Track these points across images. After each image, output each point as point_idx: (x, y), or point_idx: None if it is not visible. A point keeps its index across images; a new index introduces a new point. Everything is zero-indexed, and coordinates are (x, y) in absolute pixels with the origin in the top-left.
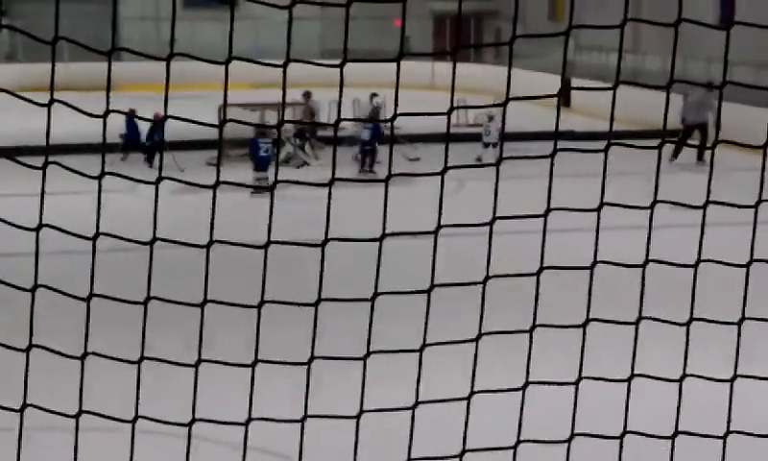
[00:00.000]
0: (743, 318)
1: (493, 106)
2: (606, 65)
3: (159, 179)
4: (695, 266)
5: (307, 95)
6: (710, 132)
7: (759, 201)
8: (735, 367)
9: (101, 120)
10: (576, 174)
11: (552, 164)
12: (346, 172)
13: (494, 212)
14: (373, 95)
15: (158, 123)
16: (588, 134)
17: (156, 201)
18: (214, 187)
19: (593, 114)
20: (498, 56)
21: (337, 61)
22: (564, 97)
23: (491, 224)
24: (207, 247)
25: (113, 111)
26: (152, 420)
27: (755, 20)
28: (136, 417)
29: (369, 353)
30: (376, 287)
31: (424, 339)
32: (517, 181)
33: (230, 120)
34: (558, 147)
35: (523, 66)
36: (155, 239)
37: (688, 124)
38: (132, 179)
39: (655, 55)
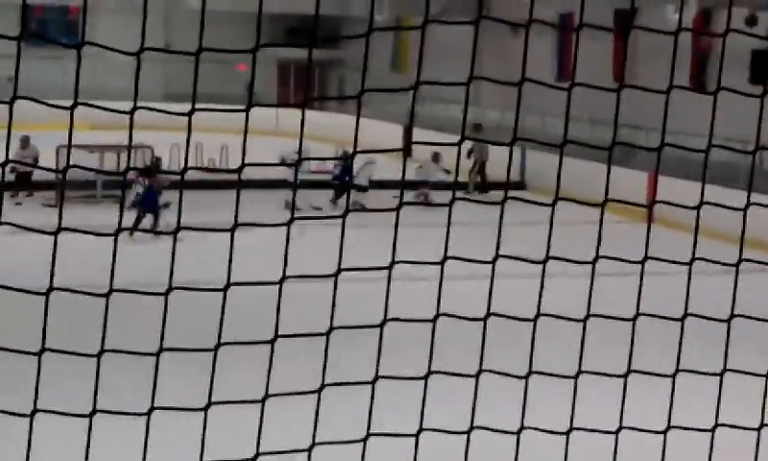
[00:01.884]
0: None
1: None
2: (449, 117)
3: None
4: (584, 320)
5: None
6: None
7: (597, 257)
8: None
9: None
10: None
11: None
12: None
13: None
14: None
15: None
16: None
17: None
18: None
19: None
20: (342, 104)
21: (183, 107)
22: (406, 148)
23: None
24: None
25: None
26: None
27: (586, 76)
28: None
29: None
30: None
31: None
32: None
33: (74, 165)
34: (456, 197)
35: (365, 115)
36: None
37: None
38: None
39: (494, 109)
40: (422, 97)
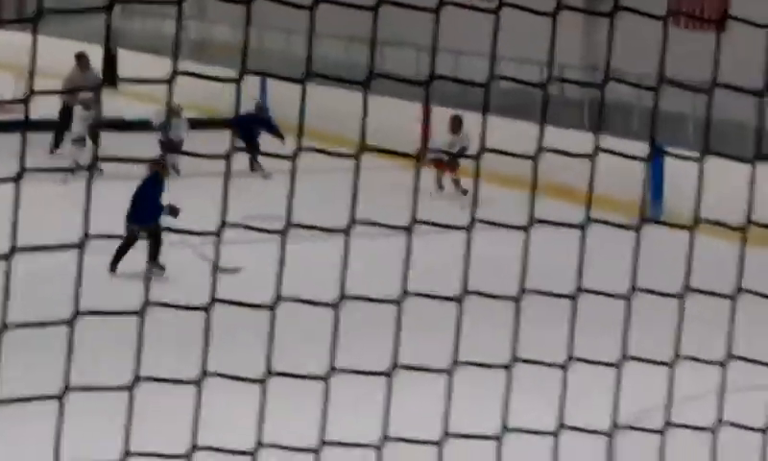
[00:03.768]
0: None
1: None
2: (160, 35)
3: None
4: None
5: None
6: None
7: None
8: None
9: None
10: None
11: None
12: None
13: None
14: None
15: None
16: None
17: None
18: None
19: (143, 97)
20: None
21: None
22: (109, 77)
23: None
24: None
25: None
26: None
27: None
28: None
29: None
30: None
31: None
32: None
33: None
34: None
35: (55, 34)
36: None
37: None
38: None
39: (224, 23)
40: (130, 10)
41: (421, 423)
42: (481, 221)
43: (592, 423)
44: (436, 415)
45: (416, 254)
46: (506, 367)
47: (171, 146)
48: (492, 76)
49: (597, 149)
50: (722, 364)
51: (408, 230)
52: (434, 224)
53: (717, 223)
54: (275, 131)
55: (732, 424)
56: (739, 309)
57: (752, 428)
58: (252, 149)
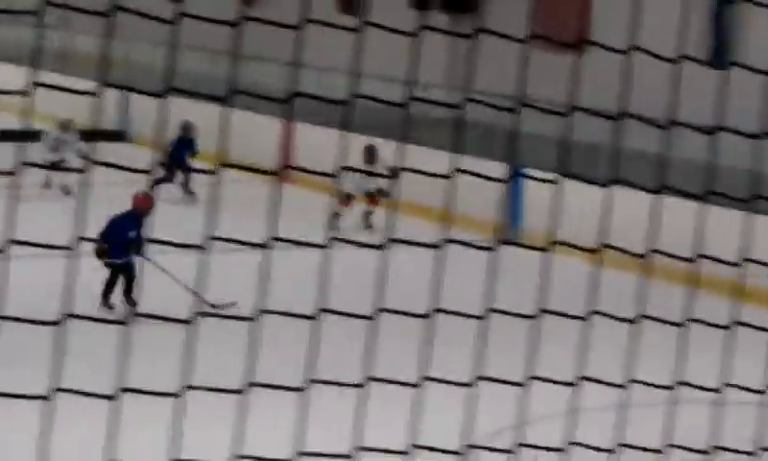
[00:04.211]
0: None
1: None
2: (21, 44)
3: None
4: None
5: None
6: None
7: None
8: None
9: None
10: None
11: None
12: None
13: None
14: None
15: None
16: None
17: None
18: None
19: (8, 108)
20: None
21: None
22: None
23: None
24: None
25: None
26: None
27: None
28: None
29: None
30: None
31: None
32: None
33: None
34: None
35: None
36: None
37: None
38: None
39: (88, 34)
40: None
41: (269, 441)
42: (339, 240)
43: (445, 442)
44: (287, 434)
45: (275, 270)
46: (359, 386)
47: (59, 165)
48: (353, 94)
49: (456, 169)
50: (573, 384)
51: (263, 246)
52: (289, 241)
53: (571, 245)
54: (196, 150)
55: (582, 445)
56: (592, 330)
57: (600, 449)
58: (185, 171)
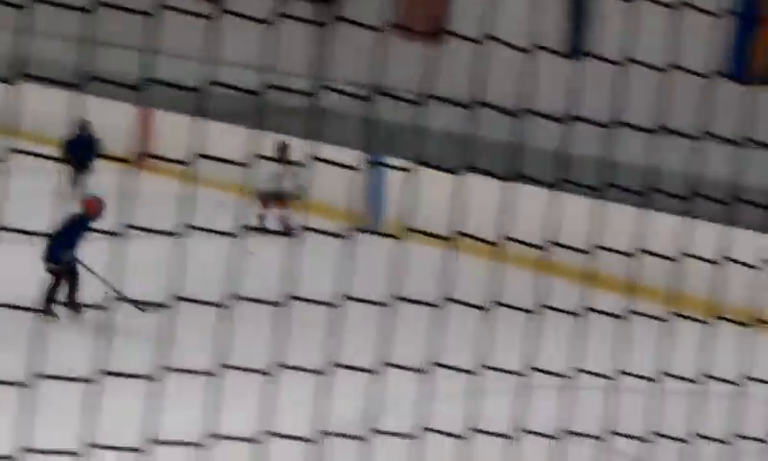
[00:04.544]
0: None
1: None
2: None
3: None
4: None
5: None
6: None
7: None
8: None
9: None
10: None
11: None
12: None
13: None
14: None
15: None
16: None
17: None
18: None
19: None
20: None
21: None
22: None
23: None
24: None
25: None
26: None
27: None
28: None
29: None
30: None
31: None
32: None
33: None
34: None
35: None
36: None
37: None
38: None
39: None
40: None
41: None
42: (194, 227)
43: (298, 429)
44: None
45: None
46: (210, 374)
47: None
48: (211, 81)
49: (312, 157)
50: (423, 371)
51: (115, 234)
52: (141, 228)
53: (427, 233)
54: (99, 149)
55: (434, 431)
56: (448, 317)
57: (450, 434)
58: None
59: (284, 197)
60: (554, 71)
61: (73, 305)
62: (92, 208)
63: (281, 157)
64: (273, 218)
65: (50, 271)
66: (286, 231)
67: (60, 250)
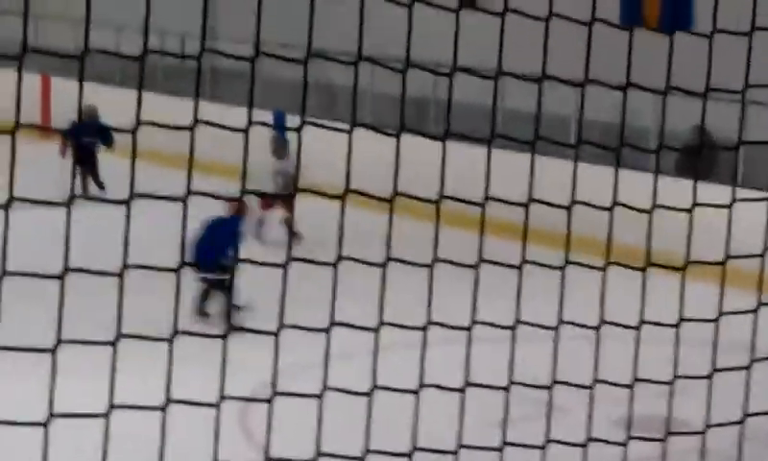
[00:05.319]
0: None
1: None
2: None
3: None
4: None
5: None
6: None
7: None
8: None
9: None
10: None
11: None
12: None
13: None
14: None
15: None
16: None
17: None
18: None
19: None
20: None
21: None
22: None
23: None
24: None
25: None
26: None
27: None
28: None
29: None
30: None
31: None
32: None
33: None
34: None
35: None
36: None
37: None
38: None
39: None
40: None
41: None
42: (94, 198)
43: (202, 396)
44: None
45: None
46: (112, 344)
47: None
48: (85, 47)
49: (197, 120)
50: (326, 331)
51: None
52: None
53: (359, 192)
54: (108, 137)
55: (337, 390)
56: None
57: (355, 393)
58: (92, 165)
59: (285, 197)
60: (479, 25)
61: (230, 314)
62: (240, 209)
63: (279, 153)
64: (273, 221)
65: (206, 280)
66: (289, 236)
67: (215, 255)
